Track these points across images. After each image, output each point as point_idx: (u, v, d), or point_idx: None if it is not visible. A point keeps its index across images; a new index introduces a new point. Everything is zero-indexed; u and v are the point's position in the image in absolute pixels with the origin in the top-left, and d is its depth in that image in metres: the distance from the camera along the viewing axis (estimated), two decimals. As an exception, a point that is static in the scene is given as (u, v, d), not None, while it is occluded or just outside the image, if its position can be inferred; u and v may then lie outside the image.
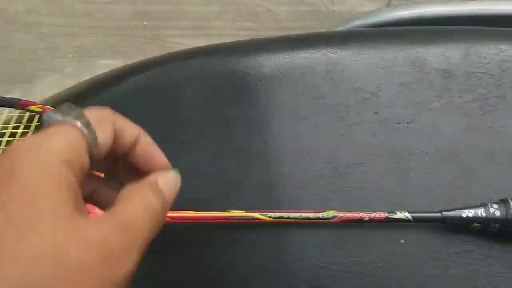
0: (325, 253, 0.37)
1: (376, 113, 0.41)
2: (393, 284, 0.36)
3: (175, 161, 0.29)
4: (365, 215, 0.35)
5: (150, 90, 0.44)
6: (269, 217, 0.36)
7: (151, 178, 0.25)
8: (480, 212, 0.34)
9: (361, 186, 0.39)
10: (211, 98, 0.44)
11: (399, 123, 0.41)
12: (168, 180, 0.25)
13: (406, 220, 0.35)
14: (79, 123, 0.22)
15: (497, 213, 0.34)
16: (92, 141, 0.22)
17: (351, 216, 0.35)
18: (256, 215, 0.36)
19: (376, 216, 0.35)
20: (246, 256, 0.37)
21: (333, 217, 0.36)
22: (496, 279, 0.35)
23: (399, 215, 0.35)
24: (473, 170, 0.38)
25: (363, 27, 0.56)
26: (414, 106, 0.41)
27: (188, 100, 0.44)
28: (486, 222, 0.34)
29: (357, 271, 0.36)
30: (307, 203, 0.39)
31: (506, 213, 0.34)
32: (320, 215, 0.36)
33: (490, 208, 0.34)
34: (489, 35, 0.43)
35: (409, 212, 0.35)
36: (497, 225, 0.34)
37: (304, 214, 0.36)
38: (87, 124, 0.22)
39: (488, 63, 0.41)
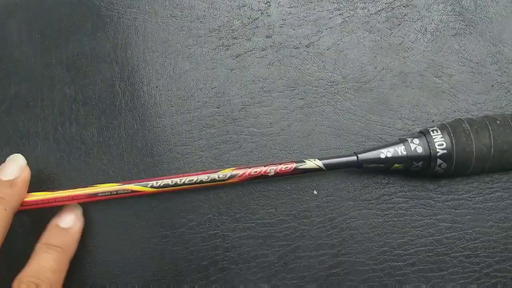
0: (227, 220, 0.29)
1: (268, 36, 0.32)
2: (309, 243, 0.29)
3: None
4: (270, 169, 0.28)
5: None
6: (151, 187, 0.26)
7: None
8: (400, 150, 0.29)
9: (261, 132, 0.31)
10: (46, 33, 0.31)
11: (298, 47, 0.32)
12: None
13: (318, 169, 0.28)
14: None
15: (419, 150, 0.29)
16: None
17: (253, 173, 0.28)
18: (131, 186, 0.27)
19: (283, 169, 0.27)
20: (128, 236, 0.28)
21: (231, 176, 0.28)
22: (421, 223, 0.30)
23: (309, 163, 0.28)
24: (386, 99, 0.32)
25: None
26: (312, 24, 0.33)
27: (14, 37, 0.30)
28: (407, 161, 0.29)
29: (267, 235, 0.29)
30: (198, 162, 0.30)
31: (429, 149, 0.28)
32: (215, 175, 0.28)
33: (411, 144, 0.29)
34: None
35: (320, 159, 0.28)
36: (420, 163, 0.29)
37: (195, 178, 0.27)
38: None
39: (392, -36, 0.34)
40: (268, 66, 0.32)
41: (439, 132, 0.29)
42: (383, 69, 0.33)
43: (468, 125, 0.29)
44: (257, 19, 0.33)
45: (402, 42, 0.34)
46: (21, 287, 0.24)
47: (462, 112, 0.32)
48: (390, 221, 0.31)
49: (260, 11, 0.33)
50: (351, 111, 0.32)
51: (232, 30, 0.33)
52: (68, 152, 0.30)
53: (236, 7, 0.33)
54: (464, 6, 0.35)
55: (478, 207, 0.32)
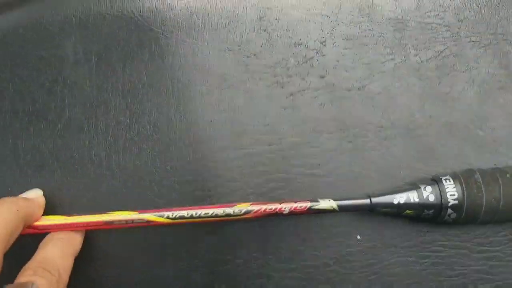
0: (271, 260, 0.29)
1: (322, 76, 0.33)
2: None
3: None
4: (285, 207, 0.29)
5: None
6: (167, 217, 0.27)
7: None
8: (413, 197, 0.30)
9: (309, 172, 0.31)
10: (103, 56, 0.31)
11: (350, 89, 0.33)
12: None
13: (332, 210, 0.29)
14: None
15: (431, 198, 0.30)
16: None
17: (268, 210, 0.29)
18: (148, 216, 0.27)
19: (297, 207, 0.29)
20: (146, 263, 0.28)
21: (247, 212, 0.29)
22: (456, 273, 0.31)
23: (323, 204, 0.29)
24: (432, 148, 0.32)
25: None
26: (365, 67, 0.33)
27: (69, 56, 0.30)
28: (419, 208, 0.30)
29: (310, 277, 0.30)
30: (246, 199, 0.30)
31: (441, 198, 0.30)
32: (230, 210, 0.29)
33: (424, 192, 0.30)
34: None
35: (334, 200, 0.29)
36: (431, 211, 0.30)
37: (210, 211, 0.28)
38: None
39: (444, 12, 0.35)
40: (320, 106, 0.33)
41: (452, 182, 0.30)
42: (430, 117, 0.34)
43: (480, 177, 0.30)
44: (312, 58, 0.33)
45: (450, 92, 0.34)
46: (27, 273, 0.24)
47: (502, 165, 0.33)
48: (427, 269, 0.32)
49: (315, 50, 0.33)
50: (398, 157, 0.33)
51: (287, 68, 0.33)
52: (120, 181, 0.31)
53: (293, 45, 0.33)
54: (511, 60, 0.35)
55: (510, 260, 0.33)
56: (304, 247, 0.31)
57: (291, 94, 0.33)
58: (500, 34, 0.36)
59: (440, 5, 0.36)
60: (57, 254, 0.26)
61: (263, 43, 0.33)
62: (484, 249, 0.33)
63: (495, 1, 0.36)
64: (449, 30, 0.35)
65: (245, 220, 0.29)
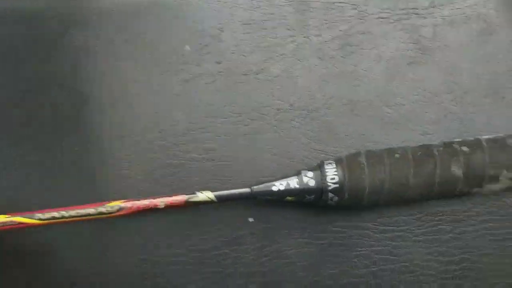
0: (159, 246, 0.30)
1: (218, 62, 0.33)
2: (241, 270, 0.30)
3: None
4: (160, 202, 0.29)
5: None
6: (38, 219, 0.28)
7: None
8: (293, 183, 0.29)
9: (202, 157, 0.31)
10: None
11: (247, 74, 0.33)
12: None
13: (210, 201, 0.29)
14: None
15: (312, 183, 0.29)
16: None
17: (142, 206, 0.29)
18: (18, 218, 0.28)
19: (173, 201, 0.29)
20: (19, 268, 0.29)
21: (120, 209, 0.29)
22: (356, 254, 0.30)
23: (201, 196, 0.29)
24: (332, 128, 0.32)
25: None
26: (264, 51, 0.33)
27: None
28: (300, 194, 0.29)
29: (198, 261, 0.30)
30: (136, 186, 0.31)
31: (321, 182, 0.29)
32: (103, 209, 0.29)
33: (304, 178, 0.29)
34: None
35: (212, 191, 0.29)
36: (312, 196, 0.29)
37: (82, 211, 0.28)
38: None
39: (350, -9, 0.34)
40: (216, 92, 0.33)
41: (334, 166, 0.29)
42: (331, 97, 0.33)
43: (365, 159, 0.29)
44: (208, 44, 0.34)
45: (354, 71, 0.34)
46: None
47: (411, 142, 0.32)
48: (325, 251, 0.31)
49: (212, 37, 0.34)
50: (296, 139, 0.32)
51: (182, 55, 0.33)
52: (9, 175, 0.32)
53: (189, 32, 0.34)
54: (422, 34, 0.34)
55: (417, 240, 0.31)
56: (192, 232, 0.31)
57: (185, 81, 0.33)
58: (411, 9, 0.35)
59: (346, -17, 0.35)
60: None
61: (158, 32, 0.34)
62: (388, 229, 0.31)
63: (407, -25, 0.35)
64: (355, 9, 0.35)
65: (120, 217, 0.29)
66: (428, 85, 0.34)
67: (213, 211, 0.31)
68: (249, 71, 0.34)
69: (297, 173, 0.29)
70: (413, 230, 0.31)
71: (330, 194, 0.29)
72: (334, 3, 0.35)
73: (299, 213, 0.31)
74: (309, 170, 0.29)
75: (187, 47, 0.33)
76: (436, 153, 0.29)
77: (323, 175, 0.29)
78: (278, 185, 0.29)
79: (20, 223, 0.28)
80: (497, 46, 0.34)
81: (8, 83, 0.33)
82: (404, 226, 0.31)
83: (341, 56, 0.34)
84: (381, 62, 0.34)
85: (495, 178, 0.29)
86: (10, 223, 0.28)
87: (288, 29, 0.34)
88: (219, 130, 0.33)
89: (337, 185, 0.28)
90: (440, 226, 0.31)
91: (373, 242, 0.31)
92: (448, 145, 0.30)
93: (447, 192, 0.30)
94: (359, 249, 0.31)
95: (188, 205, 0.29)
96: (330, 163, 0.29)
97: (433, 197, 0.30)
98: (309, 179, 0.29)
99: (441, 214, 0.32)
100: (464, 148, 0.29)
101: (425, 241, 0.31)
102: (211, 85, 0.33)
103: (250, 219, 0.31)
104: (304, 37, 0.34)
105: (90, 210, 0.28)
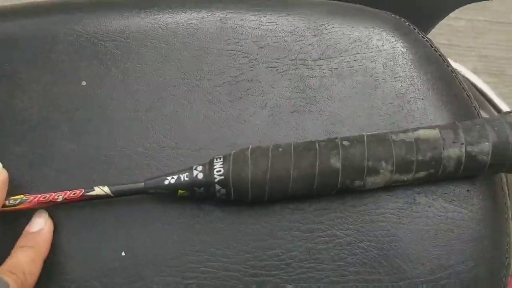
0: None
1: (112, 99, 0.35)
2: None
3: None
4: (58, 195, 0.31)
5: None
6: None
7: None
8: (183, 177, 0.31)
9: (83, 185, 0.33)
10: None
11: (137, 111, 0.35)
12: None
13: (106, 196, 0.31)
14: None
15: (200, 176, 0.31)
16: None
17: (42, 199, 0.31)
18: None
19: (71, 195, 0.31)
20: None
21: (21, 202, 0.32)
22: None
23: (98, 190, 0.31)
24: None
25: None
26: (157, 91, 0.35)
27: None
28: (190, 187, 0.32)
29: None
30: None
31: (209, 175, 0.31)
32: (6, 202, 0.32)
33: (194, 171, 0.32)
34: (250, 4, 0.38)
35: (108, 186, 0.32)
36: (202, 189, 0.32)
37: None
38: None
39: (245, 39, 0.37)
40: (106, 126, 0.35)
41: (221, 160, 0.32)
42: (216, 139, 0.35)
43: (249, 153, 0.32)
44: (104, 80, 0.36)
45: (240, 115, 0.36)
46: None
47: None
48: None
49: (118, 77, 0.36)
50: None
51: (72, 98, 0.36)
52: None
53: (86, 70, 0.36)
54: (308, 84, 0.36)
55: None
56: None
57: (78, 114, 0.35)
58: (300, 60, 0.37)
59: (242, 33, 0.38)
60: (25, 259, 0.30)
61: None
62: (258, 272, 0.33)
63: (301, 28, 0.38)
64: (247, 57, 0.37)
65: (22, 210, 0.32)
66: (310, 134, 0.36)
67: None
68: (140, 109, 0.36)
69: (189, 168, 0.32)
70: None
71: (217, 186, 0.31)
72: (228, 50, 0.37)
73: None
74: (200, 165, 0.32)
75: (83, 83, 0.35)
76: (317, 147, 0.32)
77: (211, 169, 0.31)
78: (170, 179, 0.31)
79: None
80: (381, 99, 0.36)
81: None
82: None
83: (229, 101, 0.36)
84: (266, 109, 0.36)
85: (375, 170, 0.32)
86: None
87: (182, 73, 0.37)
88: (102, 162, 0.34)
89: (222, 177, 0.31)
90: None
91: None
92: (330, 140, 0.32)
93: (330, 185, 0.32)
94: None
95: (84, 198, 0.31)
96: (218, 158, 0.32)
97: (316, 191, 0.32)
98: (198, 172, 0.32)
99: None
100: (345, 142, 0.32)
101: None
102: (102, 118, 0.35)
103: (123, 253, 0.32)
104: (198, 80, 0.36)
105: None
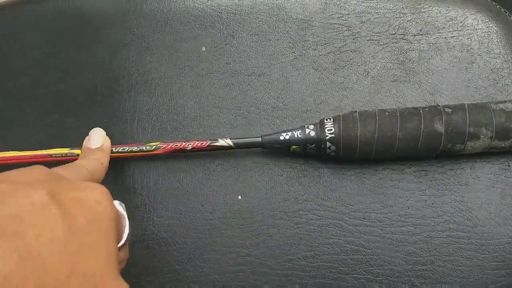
0: (157, 184, 0.38)
1: (227, 63, 0.40)
2: (225, 240, 0.36)
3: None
4: (188, 144, 0.37)
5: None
6: None
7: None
8: (297, 134, 0.36)
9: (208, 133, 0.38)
10: (58, 41, 0.42)
11: (250, 75, 0.40)
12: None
13: (228, 147, 0.36)
14: None
15: (312, 134, 0.36)
16: None
17: (174, 146, 0.37)
18: (78, 151, 0.37)
19: (199, 144, 0.36)
20: None
21: (156, 148, 0.37)
22: (329, 241, 0.36)
23: (221, 142, 0.36)
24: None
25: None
26: (266, 58, 0.40)
27: (33, 42, 0.42)
28: (303, 143, 0.36)
29: (190, 227, 0.36)
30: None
31: (320, 133, 0.36)
32: (143, 147, 0.37)
33: (307, 129, 0.36)
34: (353, -15, 0.42)
35: (230, 138, 0.36)
36: (313, 145, 0.36)
37: (127, 148, 0.37)
38: None
39: (348, 14, 0.41)
40: (223, 87, 0.40)
41: (331, 121, 0.36)
42: (321, 103, 0.40)
43: (358, 115, 0.36)
44: (221, 48, 0.41)
45: (343, 82, 0.40)
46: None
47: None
48: (301, 233, 0.37)
49: (225, 42, 0.42)
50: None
51: (198, 55, 0.41)
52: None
53: (207, 34, 0.42)
54: (408, 57, 0.40)
55: (387, 237, 0.36)
56: (189, 201, 0.38)
57: (199, 76, 0.41)
58: (400, 34, 0.41)
59: (345, 9, 0.42)
60: (90, 164, 0.32)
61: (187, 32, 0.42)
62: (362, 222, 0.37)
63: (400, 6, 0.42)
64: (349, 30, 0.42)
65: (156, 155, 0.37)
66: (409, 102, 0.39)
67: (208, 186, 0.38)
68: (252, 73, 0.41)
69: (301, 127, 0.37)
70: (385, 227, 0.36)
71: (328, 143, 0.36)
72: (332, 23, 0.42)
73: (281, 198, 0.37)
74: (311, 124, 0.36)
75: (203, 48, 0.41)
76: (421, 112, 0.36)
77: (322, 128, 0.36)
78: (285, 135, 0.36)
79: (78, 154, 0.36)
80: (477, 73, 0.40)
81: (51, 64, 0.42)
82: (376, 223, 0.36)
83: (333, 69, 0.41)
84: (368, 77, 0.40)
85: (475, 136, 0.35)
86: (72, 155, 0.36)
87: (290, 42, 0.41)
88: (220, 119, 0.40)
89: (333, 135, 0.36)
90: (409, 228, 0.36)
91: (346, 233, 0.36)
92: (434, 107, 0.36)
93: (432, 148, 0.36)
94: (332, 237, 0.36)
95: (209, 148, 0.36)
96: (328, 119, 0.37)
97: (420, 153, 0.36)
98: (310, 130, 0.36)
99: (410, 216, 0.36)
100: (447, 109, 0.36)
101: (394, 239, 0.36)
102: (220, 82, 0.41)
103: (239, 197, 0.37)
104: (304, 50, 0.41)
105: (134, 148, 0.37)
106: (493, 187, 0.37)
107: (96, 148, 0.35)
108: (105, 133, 0.37)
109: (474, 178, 0.38)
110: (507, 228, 0.37)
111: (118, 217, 0.25)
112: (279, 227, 0.37)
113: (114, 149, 0.37)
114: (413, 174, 0.38)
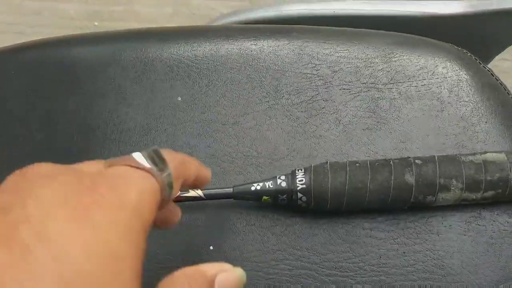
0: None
1: (202, 113, 0.42)
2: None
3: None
4: None
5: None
6: None
7: (207, 268, 0.23)
8: (268, 184, 0.37)
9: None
10: (38, 90, 0.43)
11: (225, 124, 0.41)
12: (229, 280, 0.23)
13: (199, 198, 0.37)
14: (164, 179, 0.23)
15: (284, 185, 0.36)
16: (167, 196, 0.24)
17: None
18: None
19: None
20: None
21: None
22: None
23: (192, 193, 0.37)
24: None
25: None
26: (241, 107, 0.42)
27: (12, 92, 0.43)
28: (274, 194, 0.36)
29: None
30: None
31: (291, 184, 0.36)
32: None
33: (278, 180, 0.37)
34: (326, 34, 0.44)
35: (202, 189, 0.37)
36: (285, 196, 0.36)
37: None
38: (169, 179, 0.23)
39: (320, 64, 0.43)
40: (198, 136, 0.41)
41: (303, 171, 0.37)
42: (294, 151, 0.41)
43: (329, 166, 0.36)
44: (196, 97, 0.43)
45: (316, 130, 0.41)
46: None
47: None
48: (273, 284, 0.37)
49: (200, 91, 0.43)
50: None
51: (175, 104, 0.43)
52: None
53: (184, 84, 0.43)
54: (379, 105, 0.42)
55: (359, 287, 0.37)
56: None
57: (174, 125, 0.42)
58: (371, 83, 0.43)
59: (318, 59, 0.44)
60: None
61: (158, 82, 0.44)
62: (334, 272, 0.37)
63: (371, 56, 0.44)
64: (322, 79, 0.43)
65: None
66: (381, 149, 0.41)
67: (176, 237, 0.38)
68: (227, 122, 0.42)
69: (273, 177, 0.37)
70: (355, 277, 0.37)
71: (299, 194, 0.36)
72: (305, 73, 0.43)
73: (253, 248, 0.38)
74: (283, 175, 0.37)
75: (179, 98, 0.42)
76: (392, 164, 0.36)
77: (293, 179, 0.37)
78: (256, 186, 0.37)
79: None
80: (447, 121, 0.41)
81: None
82: (349, 273, 0.37)
83: (306, 117, 0.42)
84: (340, 125, 0.41)
85: (446, 188, 0.36)
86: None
87: (264, 91, 0.43)
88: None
89: (304, 186, 0.36)
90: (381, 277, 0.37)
91: (318, 284, 0.37)
92: (404, 159, 0.37)
93: (403, 200, 0.36)
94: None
95: (180, 199, 0.37)
96: (300, 170, 0.37)
97: (391, 204, 0.36)
98: (282, 181, 0.37)
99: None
100: (418, 161, 0.37)
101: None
102: (195, 130, 0.42)
103: (211, 247, 0.38)
104: (277, 99, 0.43)
105: None
106: (464, 235, 0.38)
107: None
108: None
109: (445, 227, 0.38)
110: (479, 276, 0.37)
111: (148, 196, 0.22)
112: (251, 278, 0.37)
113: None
114: (384, 223, 0.38)
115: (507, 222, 0.38)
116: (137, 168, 0.22)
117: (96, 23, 1.30)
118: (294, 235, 0.38)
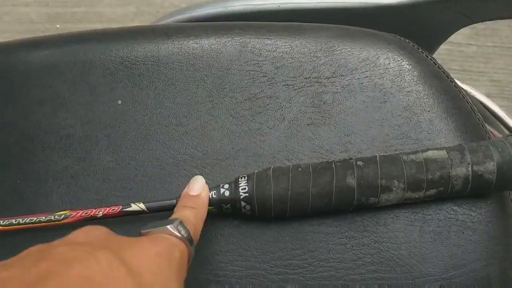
0: None
1: (145, 115, 0.41)
2: None
3: None
4: (99, 211, 0.36)
5: None
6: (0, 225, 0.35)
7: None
8: (212, 194, 0.36)
9: (122, 195, 0.38)
10: None
11: (168, 126, 0.41)
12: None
13: (142, 212, 0.36)
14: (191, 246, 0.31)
15: (227, 194, 0.36)
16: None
17: (84, 214, 0.36)
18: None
19: (110, 211, 0.36)
20: None
21: (66, 217, 0.36)
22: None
23: (134, 207, 0.36)
24: (240, 174, 0.39)
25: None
26: (184, 107, 0.41)
27: None
28: (218, 204, 0.36)
29: None
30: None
31: (235, 192, 0.36)
32: (51, 217, 0.36)
33: (221, 189, 0.37)
34: (269, 30, 0.44)
35: (144, 203, 0.36)
36: (229, 205, 0.36)
37: (35, 218, 0.36)
38: (191, 242, 0.31)
39: (263, 61, 0.43)
40: (141, 139, 0.41)
41: (245, 179, 0.36)
42: (239, 150, 0.40)
43: (271, 172, 0.36)
44: (138, 100, 0.42)
45: (260, 128, 0.41)
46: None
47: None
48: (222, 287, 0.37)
49: (141, 93, 0.42)
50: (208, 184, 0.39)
51: (114, 107, 0.42)
52: None
53: (123, 90, 0.42)
54: (322, 99, 0.42)
55: (309, 284, 0.37)
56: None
57: (115, 129, 0.41)
58: (314, 78, 0.43)
59: (260, 55, 0.44)
60: (191, 215, 0.33)
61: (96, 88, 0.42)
62: (281, 270, 0.37)
63: (314, 50, 0.44)
64: (265, 76, 0.43)
65: (65, 224, 0.36)
66: (325, 144, 0.41)
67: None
68: (170, 124, 0.41)
69: (216, 186, 0.37)
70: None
71: (243, 203, 0.36)
72: (248, 70, 0.43)
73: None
74: (226, 183, 0.37)
75: (119, 101, 0.41)
76: (334, 167, 0.36)
77: (236, 187, 0.36)
78: None
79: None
80: (390, 112, 0.42)
81: None
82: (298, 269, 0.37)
83: (250, 115, 0.42)
84: (284, 122, 0.41)
85: (388, 188, 0.36)
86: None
87: (207, 91, 0.42)
88: (138, 172, 0.40)
89: (247, 194, 0.36)
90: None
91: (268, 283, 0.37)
92: (346, 160, 0.37)
93: (346, 202, 0.36)
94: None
95: (122, 214, 0.36)
96: (243, 177, 0.37)
97: (334, 208, 0.37)
98: (225, 190, 0.37)
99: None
100: (359, 163, 0.37)
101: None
102: (137, 133, 0.41)
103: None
104: (220, 98, 0.42)
105: (41, 218, 0.36)
106: (411, 225, 0.39)
107: (195, 195, 0.35)
108: (204, 180, 0.37)
109: (392, 218, 0.39)
110: (427, 266, 0.38)
111: (182, 254, 0.28)
112: (200, 281, 0.37)
113: (21, 220, 0.36)
114: (332, 218, 0.39)
115: (453, 210, 0.39)
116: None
117: (58, 26, 1.26)
118: (242, 235, 0.38)
